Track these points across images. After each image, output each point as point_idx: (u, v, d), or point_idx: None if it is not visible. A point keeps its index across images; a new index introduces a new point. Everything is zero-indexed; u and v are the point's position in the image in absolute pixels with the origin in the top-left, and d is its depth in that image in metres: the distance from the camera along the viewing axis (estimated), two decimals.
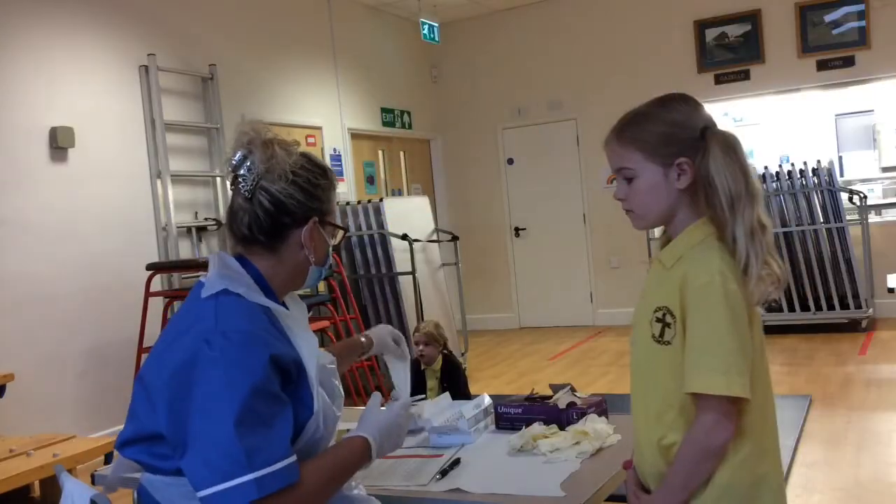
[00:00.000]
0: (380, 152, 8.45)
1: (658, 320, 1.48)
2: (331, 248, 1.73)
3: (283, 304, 1.68)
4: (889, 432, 4.35)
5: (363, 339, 2.20)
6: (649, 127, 1.50)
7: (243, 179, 1.62)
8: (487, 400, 2.40)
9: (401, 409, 1.72)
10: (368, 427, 1.65)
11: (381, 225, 6.52)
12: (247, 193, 1.62)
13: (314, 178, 1.66)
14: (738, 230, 1.44)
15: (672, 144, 1.48)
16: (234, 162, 1.63)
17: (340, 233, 1.76)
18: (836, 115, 8.72)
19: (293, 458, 1.44)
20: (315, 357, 1.61)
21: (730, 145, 1.48)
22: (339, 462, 1.58)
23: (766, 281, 1.46)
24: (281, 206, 1.62)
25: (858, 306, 7.01)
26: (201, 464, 1.40)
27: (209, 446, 1.40)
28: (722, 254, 1.45)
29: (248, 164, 1.62)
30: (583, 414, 2.24)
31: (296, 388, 1.54)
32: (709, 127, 1.50)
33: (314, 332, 1.88)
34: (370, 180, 8.19)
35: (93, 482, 2.12)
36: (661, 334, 1.47)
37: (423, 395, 1.93)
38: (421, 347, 3.81)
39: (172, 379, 1.47)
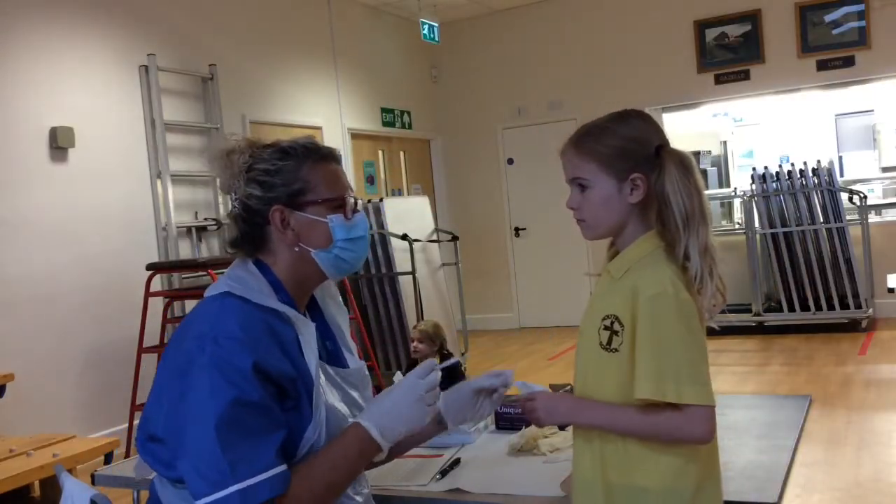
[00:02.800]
0: (380, 152, 8.45)
1: (606, 328, 1.50)
2: (335, 225, 1.58)
3: (299, 309, 1.60)
4: (889, 432, 4.35)
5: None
6: (607, 140, 1.53)
7: (229, 199, 1.61)
8: None
9: (407, 382, 1.54)
10: (368, 411, 1.53)
11: (381, 225, 6.52)
12: (231, 209, 1.61)
13: (271, 164, 1.56)
14: (693, 248, 1.48)
15: (628, 159, 1.51)
16: (219, 187, 1.63)
17: (350, 202, 1.60)
18: (836, 115, 8.73)
19: (280, 468, 1.40)
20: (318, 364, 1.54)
21: (685, 165, 1.51)
22: (334, 459, 1.49)
23: (717, 296, 1.50)
24: (248, 210, 1.57)
25: (858, 306, 7.01)
26: (194, 472, 1.39)
27: (198, 455, 1.39)
28: (671, 265, 1.49)
29: (219, 183, 1.62)
30: None
31: (296, 400, 1.49)
32: (664, 145, 1.53)
33: None
34: (370, 180, 8.19)
35: (93, 482, 2.12)
36: (609, 342, 1.50)
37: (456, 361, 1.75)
38: (415, 344, 3.90)
39: (171, 382, 1.47)
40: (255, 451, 1.39)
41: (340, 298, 1.80)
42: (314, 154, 1.60)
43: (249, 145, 1.60)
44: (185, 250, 5.84)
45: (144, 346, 5.07)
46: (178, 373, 1.45)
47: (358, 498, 1.64)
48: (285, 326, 1.52)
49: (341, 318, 1.75)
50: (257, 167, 1.57)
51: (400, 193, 8.60)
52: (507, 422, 2.31)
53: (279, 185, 1.56)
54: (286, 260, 1.59)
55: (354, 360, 1.72)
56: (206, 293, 1.54)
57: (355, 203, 1.63)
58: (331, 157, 1.63)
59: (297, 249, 1.58)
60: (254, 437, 1.40)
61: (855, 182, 7.85)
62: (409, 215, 6.84)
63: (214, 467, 1.37)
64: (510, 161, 9.05)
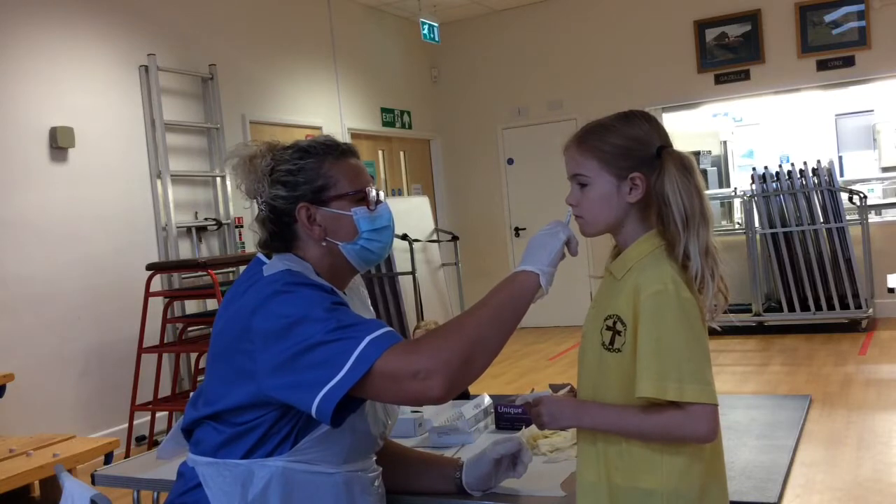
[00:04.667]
0: (380, 152, 8.44)
1: (608, 328, 1.50)
2: (359, 217, 1.63)
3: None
4: (889, 432, 4.35)
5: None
6: (609, 139, 1.54)
7: (255, 204, 1.66)
8: (487, 400, 2.39)
9: (552, 230, 1.60)
10: (528, 259, 1.56)
11: None
12: (259, 213, 1.66)
13: (292, 164, 1.62)
14: (692, 248, 1.48)
15: (629, 158, 1.52)
16: (242, 193, 1.68)
17: (372, 194, 1.64)
18: (836, 115, 8.71)
19: (391, 329, 1.47)
20: None
21: (686, 166, 1.51)
22: (478, 303, 1.51)
23: (719, 297, 1.50)
24: (275, 212, 1.63)
25: (858, 306, 7.01)
26: (320, 364, 1.41)
27: (318, 342, 1.42)
28: (672, 264, 1.49)
29: (244, 189, 1.66)
30: None
31: None
32: (665, 146, 1.53)
33: None
34: None
35: (93, 482, 2.12)
36: (612, 342, 1.50)
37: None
38: None
39: (246, 323, 1.49)
40: (367, 320, 1.48)
41: (369, 302, 1.83)
42: (334, 150, 1.65)
43: (270, 149, 1.65)
44: (185, 250, 5.84)
45: (144, 346, 5.07)
46: (255, 313, 1.48)
47: (375, 497, 1.68)
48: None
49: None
50: (280, 168, 1.62)
51: (400, 193, 8.60)
52: (507, 422, 2.31)
53: (302, 183, 1.61)
54: (316, 255, 1.64)
55: None
56: (266, 271, 1.57)
57: (378, 194, 1.67)
58: (350, 152, 1.68)
59: (324, 244, 1.63)
60: (360, 316, 1.49)
61: (855, 182, 7.84)
62: (409, 215, 6.84)
63: (340, 337, 1.41)
64: (510, 161, 9.05)
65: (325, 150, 1.64)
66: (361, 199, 1.64)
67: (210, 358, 1.61)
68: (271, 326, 1.46)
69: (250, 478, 1.53)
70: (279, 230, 1.64)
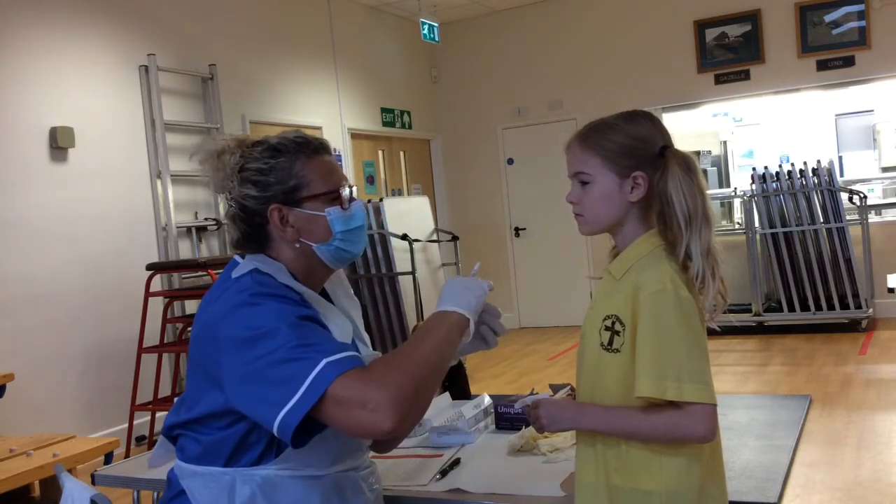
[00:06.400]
0: (380, 152, 8.44)
1: (607, 328, 1.50)
2: (333, 217, 1.59)
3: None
4: (889, 432, 4.35)
5: None
6: (612, 137, 1.54)
7: (223, 199, 1.62)
8: (487, 400, 2.39)
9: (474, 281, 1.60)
10: (438, 305, 1.54)
11: (381, 225, 6.52)
12: (228, 209, 1.61)
13: (263, 163, 1.56)
14: (694, 248, 1.48)
15: (631, 157, 1.52)
16: (213, 188, 1.64)
17: (345, 193, 1.60)
18: (836, 115, 8.72)
19: (354, 352, 1.43)
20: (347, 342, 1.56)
21: (689, 166, 1.51)
22: (418, 337, 1.49)
23: (718, 298, 1.51)
24: (245, 210, 1.58)
25: (858, 306, 7.01)
26: (280, 381, 1.36)
27: (280, 358, 1.37)
28: (671, 263, 1.49)
29: (212, 185, 1.62)
30: None
31: None
32: (668, 146, 1.54)
33: None
34: (370, 180, 8.19)
35: (93, 482, 2.12)
36: (610, 342, 1.50)
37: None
38: None
39: (215, 332, 1.47)
40: (329, 340, 1.44)
41: (352, 290, 1.80)
42: (305, 148, 1.60)
43: (238, 144, 1.60)
44: (185, 250, 5.84)
45: (144, 346, 5.07)
46: (226, 315, 1.46)
47: (370, 495, 1.66)
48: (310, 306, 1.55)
49: (353, 310, 1.75)
50: (250, 167, 1.56)
51: (400, 193, 8.60)
52: (507, 422, 2.31)
53: (274, 183, 1.56)
54: (290, 256, 1.60)
55: (367, 350, 1.73)
56: (234, 273, 1.54)
57: (351, 192, 1.63)
58: (322, 149, 1.63)
59: (298, 245, 1.59)
60: (323, 335, 1.45)
61: (855, 182, 7.84)
62: (409, 215, 6.83)
63: (300, 356, 1.37)
64: (510, 161, 9.05)
65: (296, 149, 1.58)
66: (335, 198, 1.60)
67: (189, 362, 1.59)
68: (235, 337, 1.43)
69: (235, 488, 1.51)
70: (251, 230, 1.59)
